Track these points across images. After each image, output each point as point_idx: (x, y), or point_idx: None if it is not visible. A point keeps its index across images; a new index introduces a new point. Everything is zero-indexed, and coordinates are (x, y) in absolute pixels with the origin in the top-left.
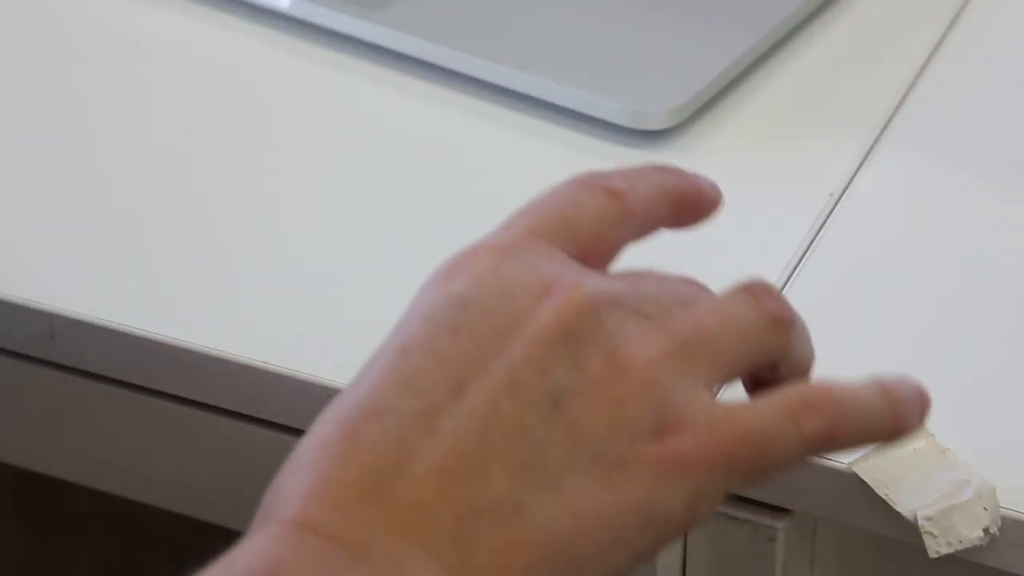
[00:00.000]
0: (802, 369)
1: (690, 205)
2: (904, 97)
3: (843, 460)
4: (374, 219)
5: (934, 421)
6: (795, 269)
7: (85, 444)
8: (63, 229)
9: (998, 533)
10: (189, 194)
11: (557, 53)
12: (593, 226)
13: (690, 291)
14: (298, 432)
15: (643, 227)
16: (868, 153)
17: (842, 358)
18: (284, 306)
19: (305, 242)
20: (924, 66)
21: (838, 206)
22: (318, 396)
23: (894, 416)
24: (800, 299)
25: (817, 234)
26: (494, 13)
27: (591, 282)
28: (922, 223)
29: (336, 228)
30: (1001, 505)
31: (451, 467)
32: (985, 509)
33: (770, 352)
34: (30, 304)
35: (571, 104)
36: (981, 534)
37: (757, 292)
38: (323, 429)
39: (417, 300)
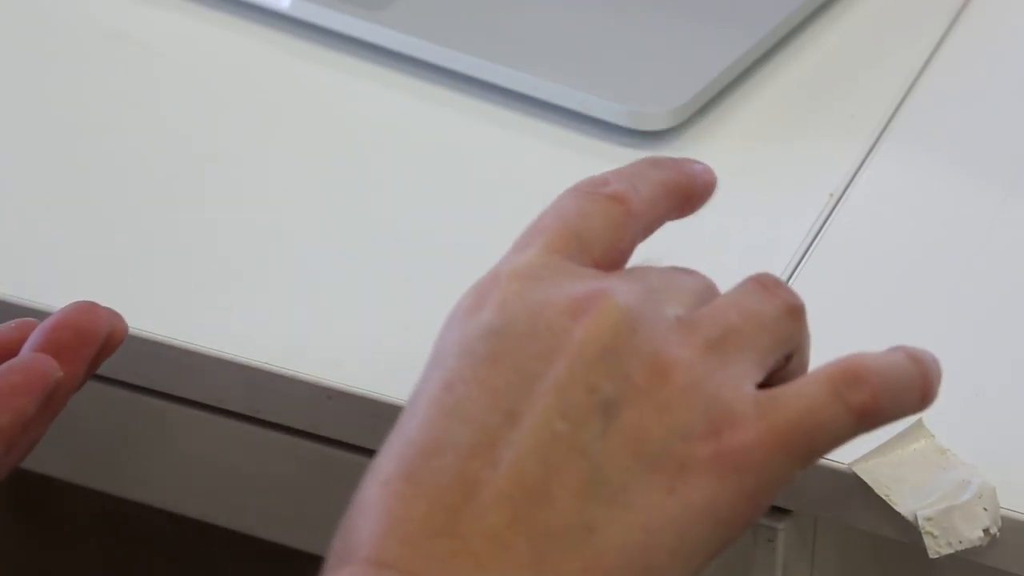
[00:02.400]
0: (807, 357)
1: (689, 195)
2: (904, 97)
3: (843, 460)
4: (374, 219)
5: (934, 421)
6: (795, 269)
7: (85, 444)
8: (62, 229)
9: (998, 533)
10: (189, 194)
11: (557, 53)
12: (604, 235)
13: (700, 286)
14: (299, 433)
15: (649, 225)
16: (868, 153)
17: None
18: (284, 306)
19: (305, 242)
20: (924, 66)
21: (838, 206)
22: (318, 397)
23: (924, 383)
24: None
25: (817, 234)
26: (494, 13)
27: (617, 291)
28: (922, 223)
29: (336, 228)
30: (1001, 505)
31: (517, 494)
32: (985, 509)
33: (790, 340)
34: (30, 304)
35: (571, 104)
36: (981, 534)
37: (768, 283)
38: (381, 471)
39: (446, 335)
